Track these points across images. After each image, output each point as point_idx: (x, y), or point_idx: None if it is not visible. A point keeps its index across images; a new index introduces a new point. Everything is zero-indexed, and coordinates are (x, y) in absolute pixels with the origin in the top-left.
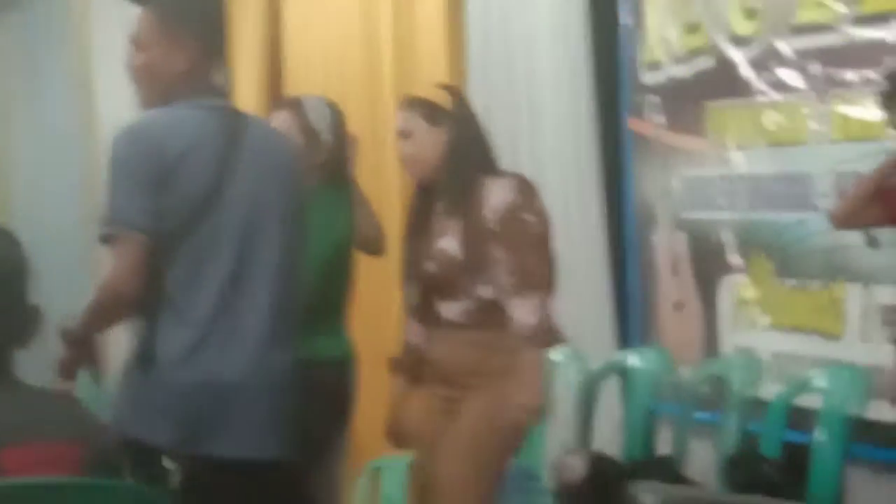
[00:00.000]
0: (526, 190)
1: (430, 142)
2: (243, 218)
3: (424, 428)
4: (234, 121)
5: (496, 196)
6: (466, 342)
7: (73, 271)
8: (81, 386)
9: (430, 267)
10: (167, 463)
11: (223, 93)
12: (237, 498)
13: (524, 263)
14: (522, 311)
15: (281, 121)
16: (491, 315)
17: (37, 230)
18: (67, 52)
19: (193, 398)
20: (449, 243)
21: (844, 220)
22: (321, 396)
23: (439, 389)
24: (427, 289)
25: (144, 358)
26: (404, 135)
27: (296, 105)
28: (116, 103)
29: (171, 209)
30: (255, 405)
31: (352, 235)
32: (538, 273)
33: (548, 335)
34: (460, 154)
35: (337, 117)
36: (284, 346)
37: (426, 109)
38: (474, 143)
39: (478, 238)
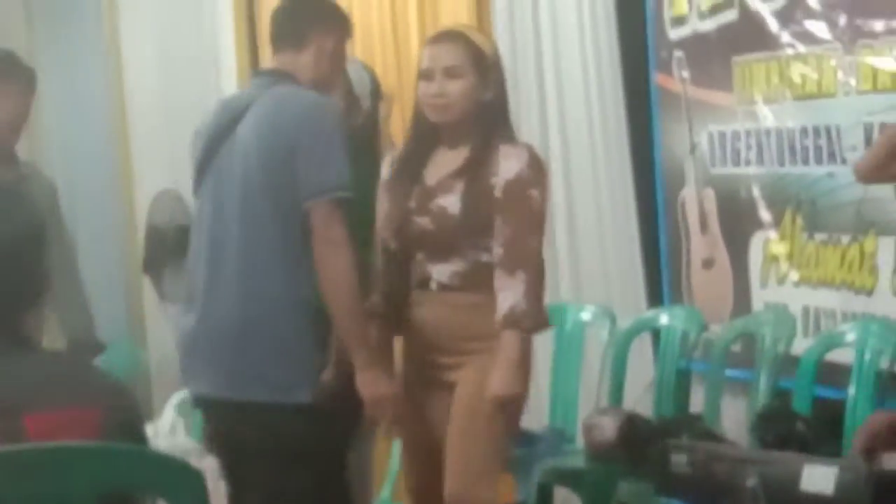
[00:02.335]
0: (536, 165)
1: (476, 92)
2: None
3: (419, 403)
4: None
5: (508, 165)
6: (460, 305)
7: (104, 238)
8: (118, 351)
9: (424, 223)
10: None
11: None
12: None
13: (520, 239)
14: (508, 293)
15: None
16: (485, 279)
17: (68, 194)
18: (96, 20)
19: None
20: (450, 202)
21: (869, 173)
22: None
23: (429, 356)
24: (415, 246)
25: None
26: (451, 73)
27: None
28: (143, 72)
29: None
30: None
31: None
32: (532, 252)
33: (531, 319)
34: (490, 111)
35: (374, 82)
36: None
37: (478, 59)
38: (502, 103)
39: (481, 202)
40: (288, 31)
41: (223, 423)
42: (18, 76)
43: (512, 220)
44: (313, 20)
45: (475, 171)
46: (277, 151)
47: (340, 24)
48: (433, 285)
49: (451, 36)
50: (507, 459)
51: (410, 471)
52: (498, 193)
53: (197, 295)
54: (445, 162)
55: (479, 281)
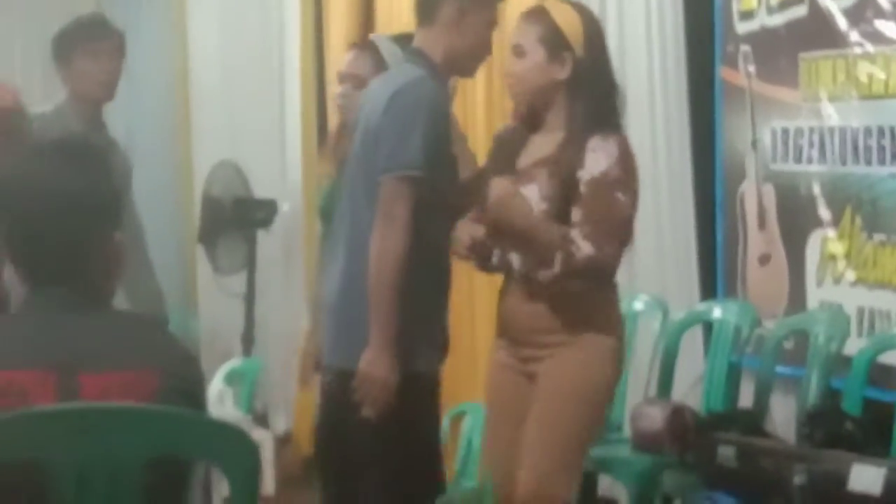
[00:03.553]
0: (626, 163)
1: (543, 71)
2: None
3: (500, 389)
4: None
5: (595, 158)
6: (540, 295)
7: (160, 208)
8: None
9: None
10: None
11: None
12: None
13: (598, 241)
14: (582, 243)
15: (356, 60)
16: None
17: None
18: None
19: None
20: (531, 193)
21: None
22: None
23: (513, 347)
24: (497, 234)
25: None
26: (516, 52)
27: (370, 45)
28: (205, 42)
29: None
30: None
31: None
32: (613, 259)
33: (601, 266)
34: (576, 94)
35: None
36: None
37: (549, 36)
38: (591, 85)
39: (563, 196)
40: (421, 6)
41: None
42: (110, 36)
43: (592, 219)
44: None
45: (561, 162)
46: (367, 134)
47: None
48: (516, 274)
49: (531, 12)
50: (583, 456)
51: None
52: (582, 188)
53: (330, 268)
54: (537, 147)
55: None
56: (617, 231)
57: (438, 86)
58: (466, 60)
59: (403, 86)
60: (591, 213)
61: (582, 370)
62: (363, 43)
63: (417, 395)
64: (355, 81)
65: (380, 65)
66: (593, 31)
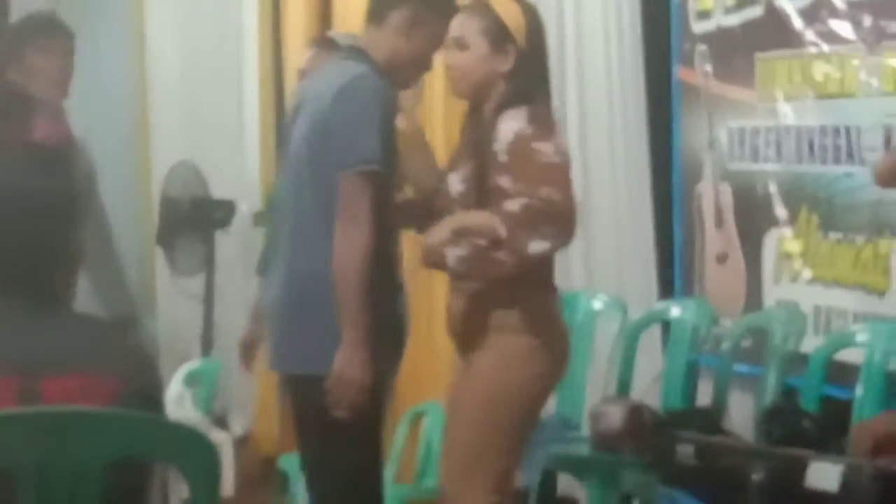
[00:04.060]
0: (539, 120)
1: (486, 63)
2: None
3: (449, 388)
4: None
5: (505, 127)
6: (466, 294)
7: (118, 208)
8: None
9: (437, 203)
10: None
11: None
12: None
13: (536, 194)
14: (512, 202)
15: (316, 57)
16: (489, 265)
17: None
18: None
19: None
20: (452, 178)
21: (888, 178)
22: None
23: (457, 346)
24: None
25: None
26: (459, 44)
27: (328, 42)
28: (164, 41)
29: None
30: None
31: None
32: (554, 204)
33: (520, 229)
34: (509, 81)
35: None
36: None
37: (492, 28)
38: (523, 72)
39: (481, 176)
40: (373, 6)
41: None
42: (62, 34)
43: (521, 176)
44: None
45: (474, 143)
46: (315, 128)
47: (427, 4)
48: (449, 272)
49: (472, 6)
50: (507, 459)
51: None
52: (502, 157)
53: (271, 269)
54: (465, 140)
55: (483, 269)
56: (548, 177)
57: (385, 83)
58: (407, 70)
59: (353, 79)
60: (517, 173)
61: (492, 373)
62: (322, 40)
63: (376, 397)
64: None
65: None
66: (534, 24)
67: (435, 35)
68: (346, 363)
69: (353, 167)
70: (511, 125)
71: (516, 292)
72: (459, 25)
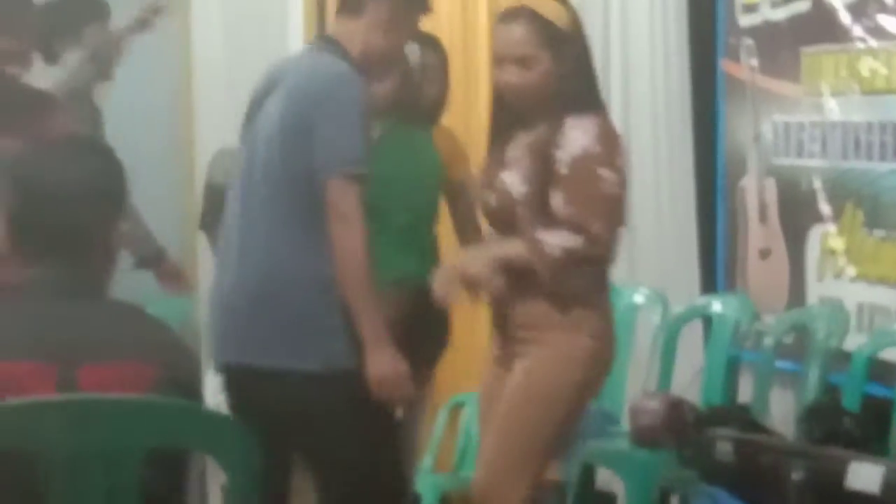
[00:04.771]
0: (608, 139)
1: (545, 74)
2: None
3: (486, 382)
4: None
5: (573, 136)
6: (519, 289)
7: (163, 195)
8: (172, 306)
9: (490, 198)
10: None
11: None
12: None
13: (584, 223)
14: (555, 237)
15: None
16: (526, 293)
17: (129, 151)
18: None
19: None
20: (512, 178)
21: None
22: (423, 317)
23: (502, 340)
24: (489, 223)
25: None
26: (523, 63)
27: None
28: (209, 31)
29: None
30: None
31: (437, 167)
32: (599, 245)
33: (548, 264)
34: (565, 84)
35: (432, 56)
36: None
37: (549, 36)
38: (579, 74)
39: (544, 178)
40: None
41: (245, 390)
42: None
43: (576, 199)
44: None
45: (540, 145)
46: (296, 123)
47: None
48: (486, 297)
49: (518, 14)
50: (551, 455)
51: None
52: (563, 170)
53: (227, 263)
54: (524, 137)
55: (521, 295)
56: (603, 210)
57: (362, 79)
58: (379, 64)
59: (337, 77)
60: (574, 195)
61: (546, 372)
62: None
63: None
64: None
65: None
66: (575, 16)
67: (410, 30)
68: (380, 364)
69: (342, 169)
70: (580, 138)
71: (575, 290)
72: (517, 42)
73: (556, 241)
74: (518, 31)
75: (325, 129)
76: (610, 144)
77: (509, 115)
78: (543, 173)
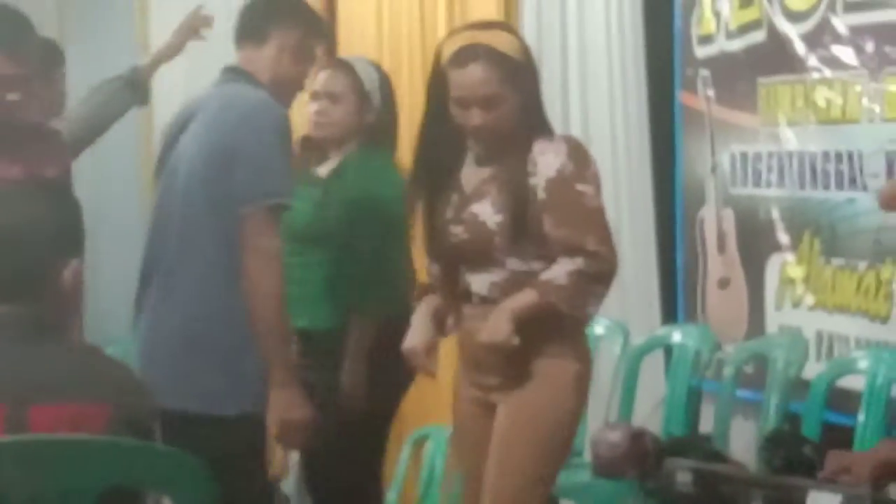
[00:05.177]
0: (578, 156)
1: (518, 111)
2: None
3: (461, 420)
4: None
5: (546, 160)
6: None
7: (126, 231)
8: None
9: (458, 232)
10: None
11: None
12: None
13: (577, 239)
14: (555, 267)
15: (332, 79)
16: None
17: (92, 186)
18: (127, 12)
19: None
20: (483, 209)
21: (893, 203)
22: (386, 353)
23: (475, 374)
24: (454, 257)
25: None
26: (490, 103)
27: (346, 66)
28: (170, 65)
29: None
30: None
31: (401, 196)
32: (600, 260)
33: (566, 299)
34: (524, 111)
35: (384, 80)
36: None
37: (509, 70)
38: (534, 99)
39: (518, 206)
40: (249, 25)
41: (166, 433)
42: (62, 61)
43: (564, 220)
44: (274, 15)
45: (509, 174)
46: (216, 156)
47: (305, 21)
48: (474, 298)
49: (475, 54)
50: (546, 493)
51: (468, 494)
52: (542, 194)
53: (147, 303)
54: (481, 165)
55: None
56: (592, 224)
57: (282, 109)
58: (288, 91)
59: (257, 106)
60: (560, 217)
61: (544, 405)
62: (334, 62)
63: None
64: (331, 98)
65: (356, 84)
66: (524, 43)
67: (314, 56)
68: (285, 406)
69: (261, 200)
70: (552, 160)
71: (563, 319)
72: (480, 83)
73: (559, 270)
74: (478, 72)
75: (246, 158)
76: (580, 158)
77: (457, 140)
78: (518, 202)
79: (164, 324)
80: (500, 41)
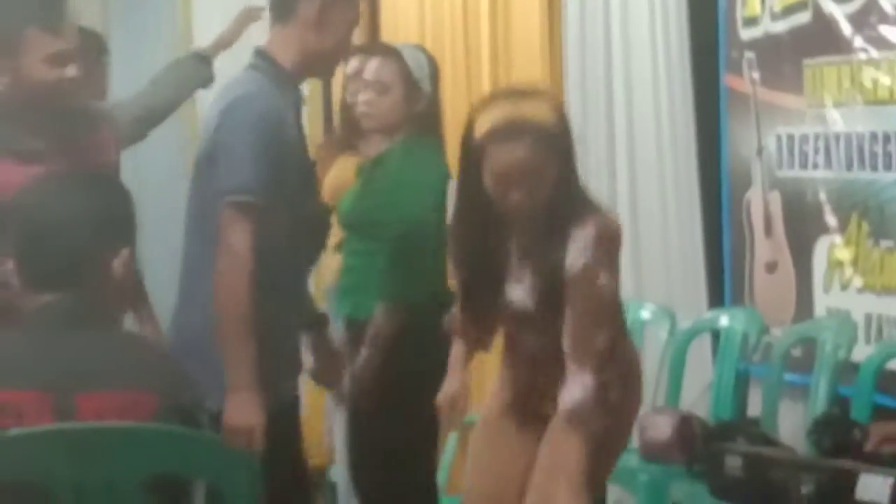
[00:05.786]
0: (605, 239)
1: (554, 180)
2: None
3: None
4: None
5: (576, 248)
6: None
7: (169, 221)
8: None
9: (502, 310)
10: None
11: None
12: None
13: (588, 335)
14: (575, 387)
15: (382, 68)
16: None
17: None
18: (170, 3)
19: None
20: (518, 294)
21: None
22: (425, 340)
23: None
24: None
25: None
26: (528, 180)
27: (395, 53)
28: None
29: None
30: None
31: (446, 184)
32: (599, 349)
33: (596, 421)
34: (559, 188)
35: (433, 67)
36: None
37: (546, 140)
38: (570, 176)
39: (552, 291)
40: (275, 4)
41: None
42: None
43: (580, 314)
44: None
45: (544, 257)
46: (202, 151)
47: None
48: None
49: (519, 131)
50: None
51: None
52: (567, 280)
53: (177, 301)
54: (517, 248)
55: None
56: (605, 318)
57: (281, 95)
58: (324, 62)
59: (235, 100)
60: (576, 307)
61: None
62: (383, 50)
63: (283, 427)
64: (381, 89)
65: (405, 72)
66: (563, 111)
67: (349, 20)
68: (234, 410)
69: (227, 196)
70: (581, 248)
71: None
72: (524, 162)
73: (569, 397)
74: (522, 151)
75: (218, 152)
76: (607, 243)
77: (489, 227)
78: (549, 286)
79: (186, 324)
80: (541, 112)
